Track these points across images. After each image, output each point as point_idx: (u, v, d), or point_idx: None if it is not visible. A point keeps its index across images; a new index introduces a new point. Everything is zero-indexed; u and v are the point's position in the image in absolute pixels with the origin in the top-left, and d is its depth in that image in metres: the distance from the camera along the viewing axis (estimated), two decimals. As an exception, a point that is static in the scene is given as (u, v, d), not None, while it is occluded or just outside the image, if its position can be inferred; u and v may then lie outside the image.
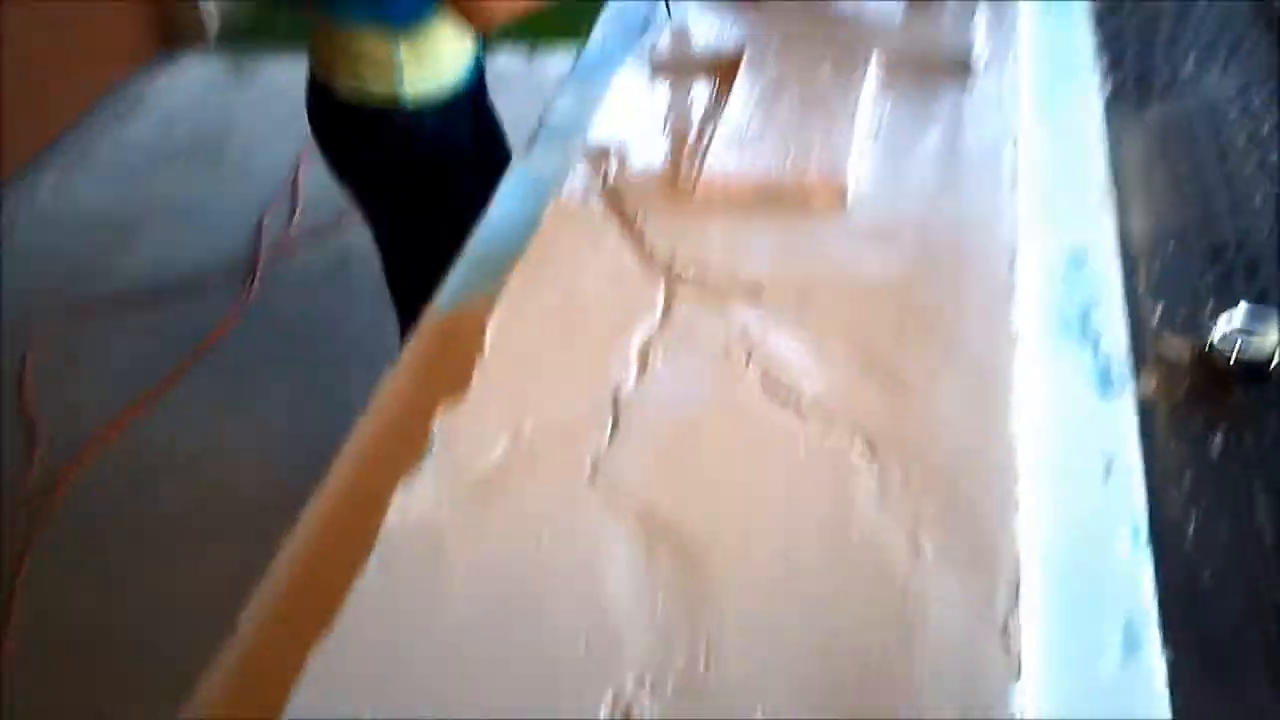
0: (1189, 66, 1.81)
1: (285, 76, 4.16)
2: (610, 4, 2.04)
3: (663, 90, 1.69)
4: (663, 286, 1.31)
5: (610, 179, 1.49)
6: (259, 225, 3.39)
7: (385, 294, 3.05)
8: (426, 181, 1.95)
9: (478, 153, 2.02)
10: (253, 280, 3.18)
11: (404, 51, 1.84)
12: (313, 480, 1.19)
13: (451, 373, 1.22)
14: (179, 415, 2.78)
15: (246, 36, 4.40)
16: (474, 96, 2.02)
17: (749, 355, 1.20)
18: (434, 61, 1.88)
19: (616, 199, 1.46)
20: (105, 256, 3.31)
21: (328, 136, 1.98)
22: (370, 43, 1.83)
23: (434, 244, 1.57)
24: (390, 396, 1.27)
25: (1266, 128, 1.66)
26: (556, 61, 3.85)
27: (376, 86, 1.86)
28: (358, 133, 1.93)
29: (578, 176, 1.51)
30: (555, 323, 1.28)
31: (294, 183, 3.55)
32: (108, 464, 2.66)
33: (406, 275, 2.05)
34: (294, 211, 3.44)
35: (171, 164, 3.72)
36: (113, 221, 3.46)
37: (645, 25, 1.85)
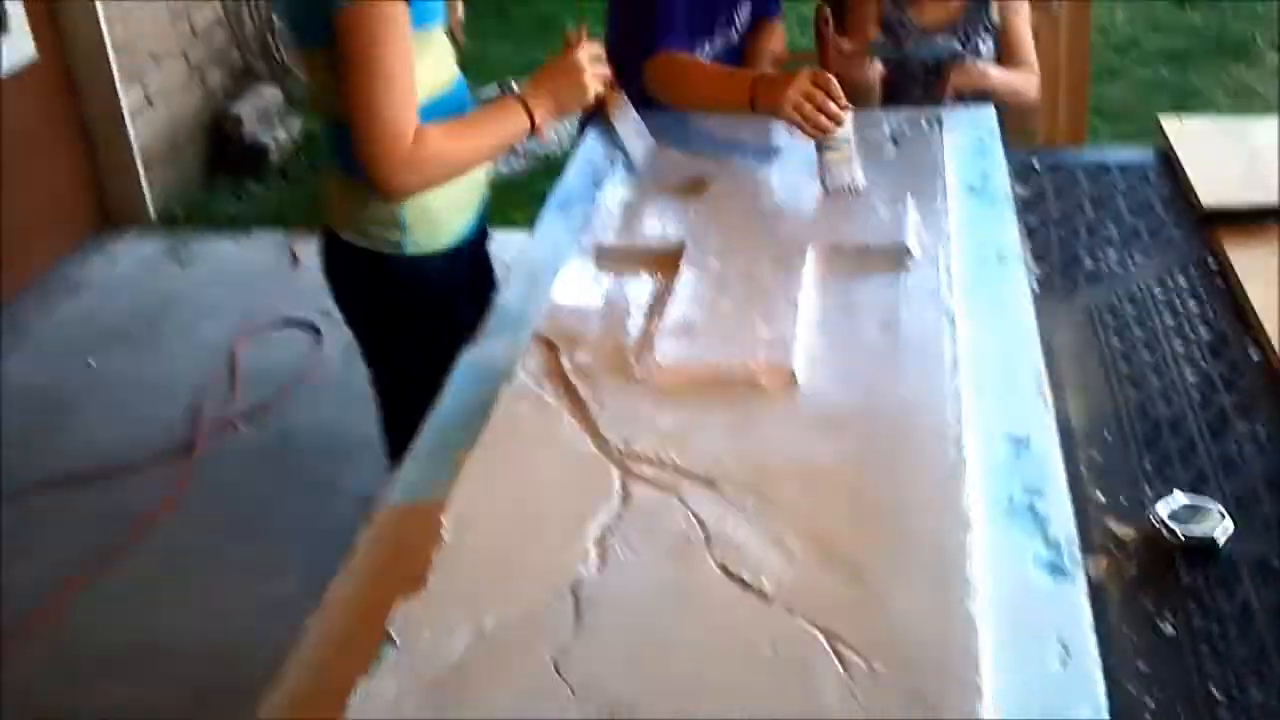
0: (1112, 255, 1.90)
1: (224, 255, 4.20)
2: (554, 194, 2.09)
3: (609, 280, 1.73)
4: (618, 474, 1.32)
5: (561, 367, 1.52)
6: (197, 404, 3.37)
7: (324, 473, 3.05)
8: (426, 324, 1.99)
9: (475, 293, 2.04)
10: (190, 460, 3.15)
11: (409, 210, 1.90)
12: (260, 672, 1.17)
13: (408, 566, 1.22)
14: (113, 602, 2.71)
15: (186, 216, 4.45)
16: (474, 246, 2.08)
17: (707, 544, 1.21)
18: (438, 218, 1.94)
19: (568, 387, 1.48)
20: (40, 436, 3.26)
21: (335, 279, 2.04)
22: (363, 195, 1.87)
23: (431, 387, 1.60)
24: (345, 590, 1.27)
25: (1190, 313, 1.74)
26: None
27: (381, 237, 1.92)
28: (362, 277, 1.99)
29: (529, 365, 1.53)
30: (512, 512, 1.29)
31: (232, 361, 3.55)
32: (38, 654, 2.59)
33: (403, 419, 2.07)
34: (232, 390, 3.43)
35: (109, 342, 3.70)
36: (49, 400, 3.42)
37: (589, 217, 1.90)
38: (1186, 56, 5.40)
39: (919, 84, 2.43)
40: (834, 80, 1.92)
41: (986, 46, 2.48)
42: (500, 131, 1.92)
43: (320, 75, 1.82)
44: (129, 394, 3.44)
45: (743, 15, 2.35)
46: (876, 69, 2.36)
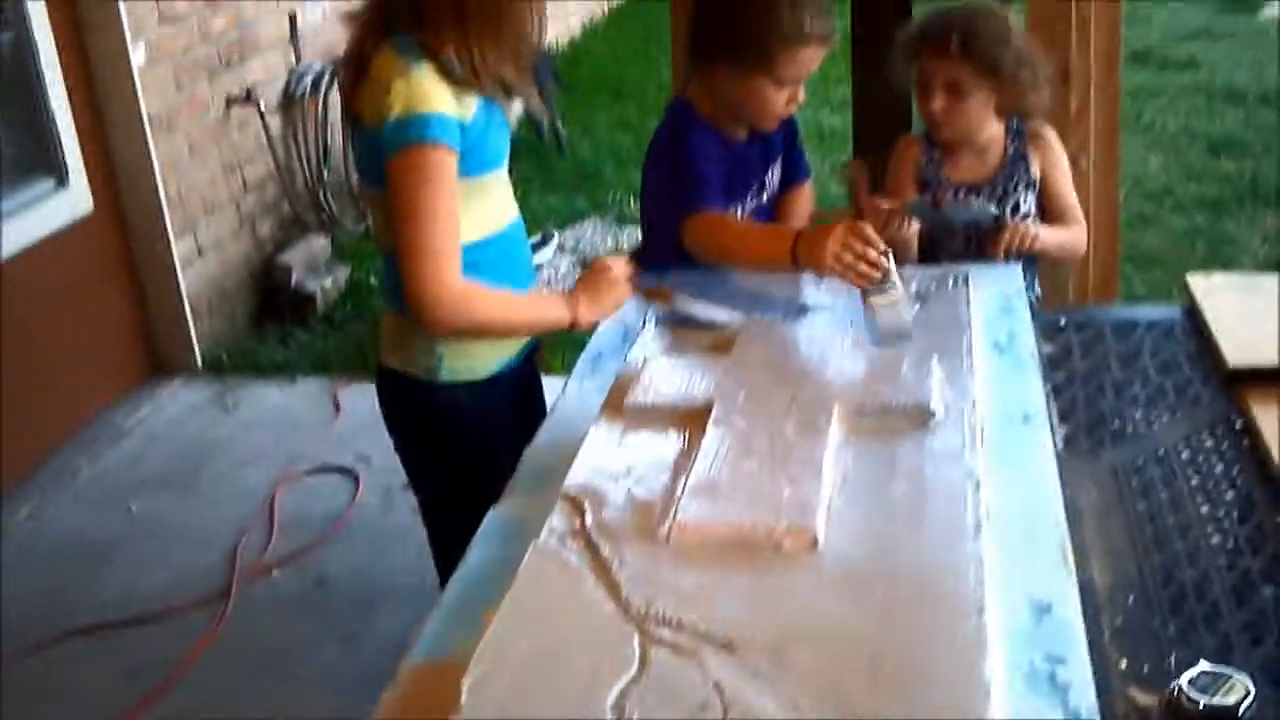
0: (1138, 414, 1.91)
1: (268, 402, 4.28)
2: (586, 353, 2.14)
3: (637, 439, 1.76)
4: (638, 636, 1.33)
5: (587, 526, 1.54)
6: (235, 550, 3.40)
7: (357, 619, 3.06)
8: (464, 451, 2.10)
9: (521, 423, 2.08)
10: (226, 606, 3.17)
11: (446, 340, 2.01)
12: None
13: (430, 727, 1.22)
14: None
15: (233, 363, 4.54)
16: (520, 371, 2.16)
17: (725, 710, 1.21)
18: (473, 350, 2.05)
19: (593, 547, 1.50)
20: (78, 582, 3.30)
21: (383, 406, 2.16)
22: (408, 326, 2.01)
23: (474, 514, 1.64)
24: (368, 752, 1.27)
25: (1215, 474, 1.74)
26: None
27: (420, 364, 2.05)
28: (403, 403, 2.12)
29: (555, 523, 1.55)
30: (531, 676, 1.29)
31: (270, 507, 3.59)
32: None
33: (447, 547, 2.07)
34: (270, 536, 3.47)
35: (151, 488, 3.76)
36: (88, 546, 3.47)
37: (620, 375, 1.94)
38: (1221, 204, 5.45)
39: (959, 239, 2.47)
40: (870, 229, 1.96)
41: (1027, 203, 2.52)
42: (540, 316, 2.08)
43: (379, 214, 2.00)
44: (168, 540, 3.48)
45: (773, 179, 2.41)
46: (913, 228, 2.41)
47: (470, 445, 2.09)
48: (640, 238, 2.46)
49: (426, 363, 2.04)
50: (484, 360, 2.07)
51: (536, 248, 5.41)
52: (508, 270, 2.06)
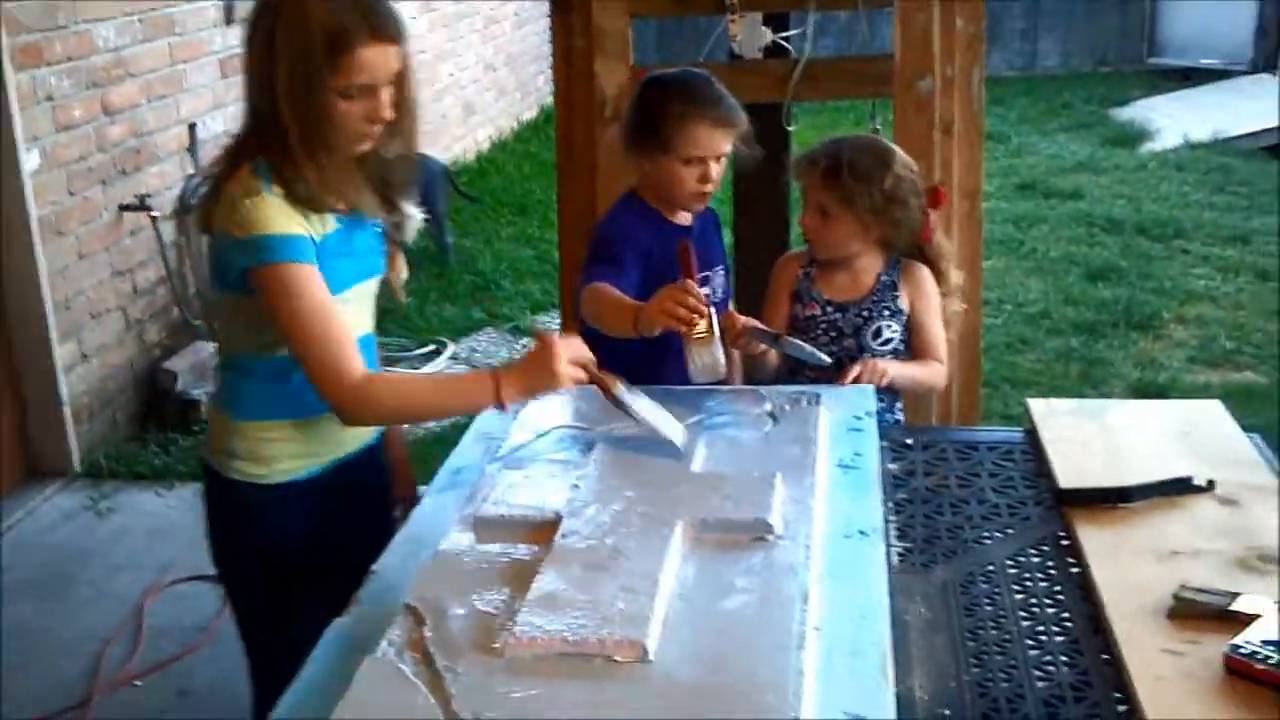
0: (972, 531, 1.99)
1: (144, 508, 4.23)
2: (446, 466, 2.17)
3: (485, 551, 1.79)
4: (464, 749, 1.35)
5: (425, 638, 1.57)
6: (98, 660, 3.34)
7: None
8: (244, 551, 2.15)
9: (328, 546, 2.12)
10: (85, 717, 3.10)
11: (239, 437, 2.09)
12: None
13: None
14: None
15: (110, 469, 4.49)
16: (315, 492, 2.14)
17: (538, 822, 1.24)
18: (263, 453, 2.10)
19: (429, 659, 1.53)
20: (-67, 693, 3.21)
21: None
22: (217, 419, 2.15)
23: (257, 609, 1.67)
24: None
25: (1039, 590, 1.82)
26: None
27: (219, 459, 2.12)
28: (207, 493, 2.20)
29: (394, 635, 1.58)
30: (354, 787, 1.31)
31: (139, 615, 3.53)
32: None
33: (244, 631, 2.23)
34: (136, 645, 3.41)
35: (18, 594, 3.68)
36: (-53, 656, 3.38)
37: (476, 489, 1.97)
38: (1096, 329, 5.65)
39: (816, 368, 2.57)
40: (693, 285, 2.16)
41: (892, 330, 2.63)
42: (456, 398, 2.09)
43: (220, 314, 2.14)
44: (33, 648, 3.41)
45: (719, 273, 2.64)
46: (758, 346, 2.51)
47: (255, 546, 2.13)
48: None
49: (223, 459, 2.11)
50: (275, 467, 2.10)
51: (430, 357, 5.45)
52: None
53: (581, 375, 2.03)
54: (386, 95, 1.96)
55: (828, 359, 2.52)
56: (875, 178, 2.55)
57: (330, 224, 2.01)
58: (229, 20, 5.42)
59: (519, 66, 9.98)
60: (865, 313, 2.62)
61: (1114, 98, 10.51)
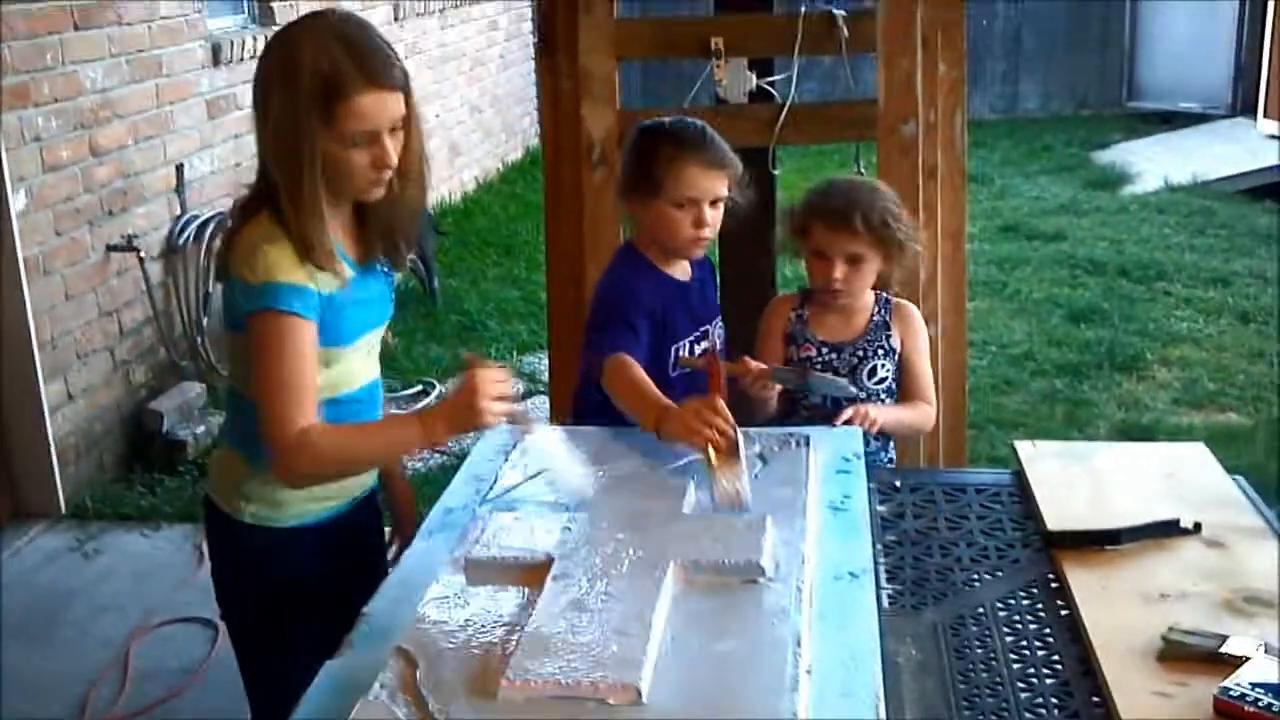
0: (961, 573, 2.00)
1: (130, 549, 4.21)
2: (437, 507, 2.17)
3: (477, 594, 1.80)
4: (458, 793, 1.35)
5: (418, 681, 1.57)
6: (83, 703, 3.31)
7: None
8: (258, 595, 2.13)
9: (336, 578, 2.13)
10: (70, 762, 3.08)
11: (252, 482, 2.08)
12: None
13: None
14: None
15: (96, 510, 4.47)
16: (329, 534, 2.16)
17: None
18: (278, 498, 2.09)
19: (421, 701, 1.53)
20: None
21: (206, 535, 2.24)
22: (230, 461, 2.14)
23: (269, 652, 1.66)
24: None
25: (1029, 633, 1.83)
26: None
27: (231, 501, 2.12)
28: (215, 535, 2.20)
29: (386, 677, 1.58)
30: (348, 831, 1.31)
31: (125, 657, 3.51)
32: None
33: (252, 677, 2.20)
34: (122, 688, 3.39)
35: (4, 634, 3.65)
36: (-71, 701, 3.35)
37: (467, 530, 1.98)
38: (1080, 370, 5.68)
39: (811, 407, 2.59)
40: (721, 403, 2.09)
41: (885, 370, 2.65)
42: (388, 442, 2.11)
43: (235, 355, 2.12)
44: (17, 692, 3.38)
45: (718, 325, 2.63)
46: (775, 389, 2.53)
47: (263, 588, 2.13)
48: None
49: (235, 501, 2.11)
50: (287, 511, 2.11)
51: (417, 397, 5.45)
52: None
53: (504, 410, 2.00)
54: (391, 142, 1.97)
55: (855, 389, 2.56)
56: (900, 217, 2.61)
57: (346, 272, 2.03)
58: (216, 62, 5.45)
59: (504, 108, 10.04)
60: (860, 352, 2.65)
61: (1094, 140, 10.62)
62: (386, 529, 2.42)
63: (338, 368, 2.08)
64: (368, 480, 2.23)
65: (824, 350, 2.65)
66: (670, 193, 2.40)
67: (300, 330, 1.95)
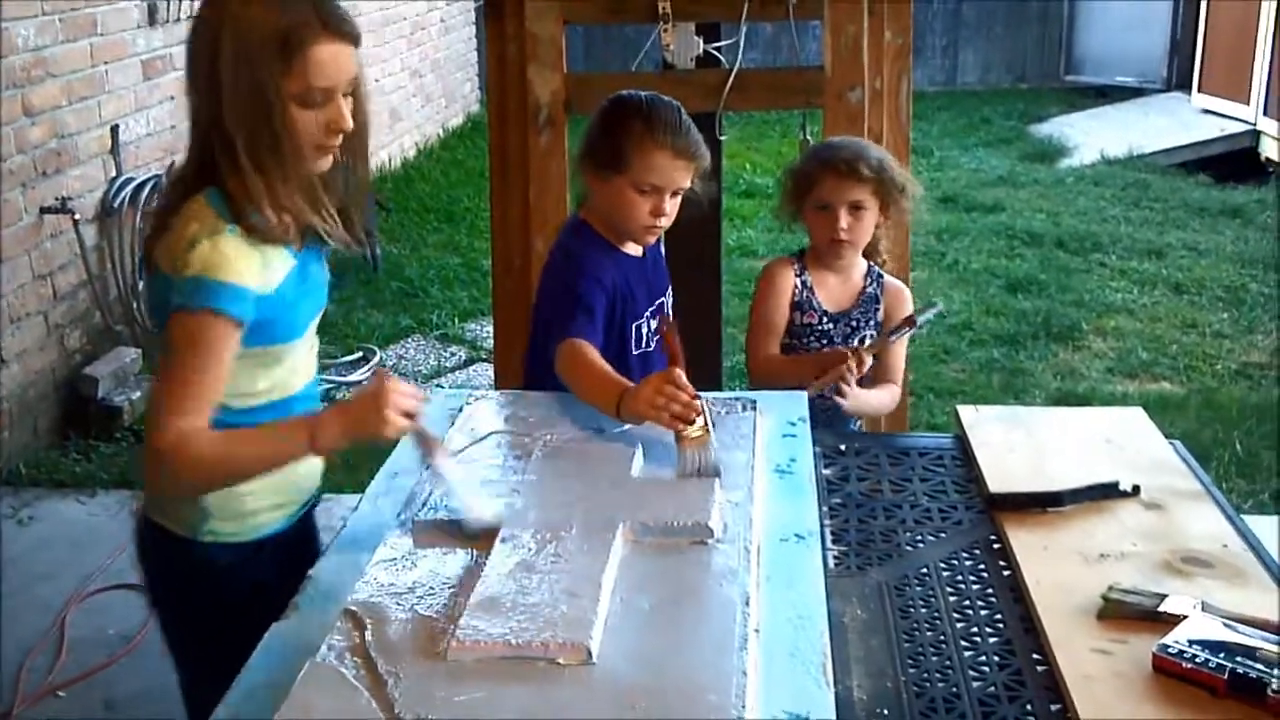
0: (905, 535, 2.02)
1: (65, 516, 4.15)
2: (383, 471, 2.16)
3: (425, 556, 1.79)
4: (408, 752, 1.35)
5: (366, 642, 1.56)
6: (19, 670, 3.27)
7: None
8: (218, 619, 1.94)
9: (286, 594, 1.94)
10: (6, 730, 3.04)
11: (213, 496, 1.93)
12: None
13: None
14: None
15: (31, 477, 4.40)
16: (288, 546, 2.06)
17: (485, 823, 1.24)
18: (243, 508, 1.97)
19: (370, 663, 1.52)
20: None
21: (141, 558, 2.05)
22: None
23: (223, 677, 1.58)
24: None
25: (971, 593, 1.85)
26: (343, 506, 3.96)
27: (181, 519, 1.95)
28: (160, 559, 2.01)
29: (335, 639, 1.57)
30: (298, 791, 1.30)
31: (61, 625, 3.47)
32: None
33: (196, 702, 2.01)
34: (59, 655, 3.34)
35: (-65, 604, 3.60)
36: None
37: (413, 494, 1.97)
38: (1017, 340, 5.76)
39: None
40: (682, 376, 2.04)
41: (873, 338, 2.73)
42: (273, 447, 1.88)
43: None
44: (-50, 661, 3.33)
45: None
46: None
47: (225, 611, 1.94)
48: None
49: (189, 518, 1.95)
50: (252, 522, 2.00)
51: (357, 364, 5.41)
52: None
53: (409, 426, 1.85)
54: (345, 103, 1.85)
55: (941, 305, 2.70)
56: (893, 165, 2.69)
57: (288, 261, 1.90)
58: (153, 21, 5.35)
59: (445, 73, 9.95)
60: (854, 321, 2.72)
61: (1032, 114, 10.73)
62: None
63: (288, 363, 1.97)
64: (318, 480, 2.12)
65: (824, 319, 2.70)
66: (634, 174, 2.32)
67: (222, 331, 1.80)
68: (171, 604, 2.04)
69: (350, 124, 1.86)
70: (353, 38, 1.85)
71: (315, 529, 2.19)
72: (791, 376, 2.59)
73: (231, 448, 1.85)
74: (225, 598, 1.98)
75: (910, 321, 2.66)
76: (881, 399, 2.74)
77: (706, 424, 2.01)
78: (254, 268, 1.82)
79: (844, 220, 2.62)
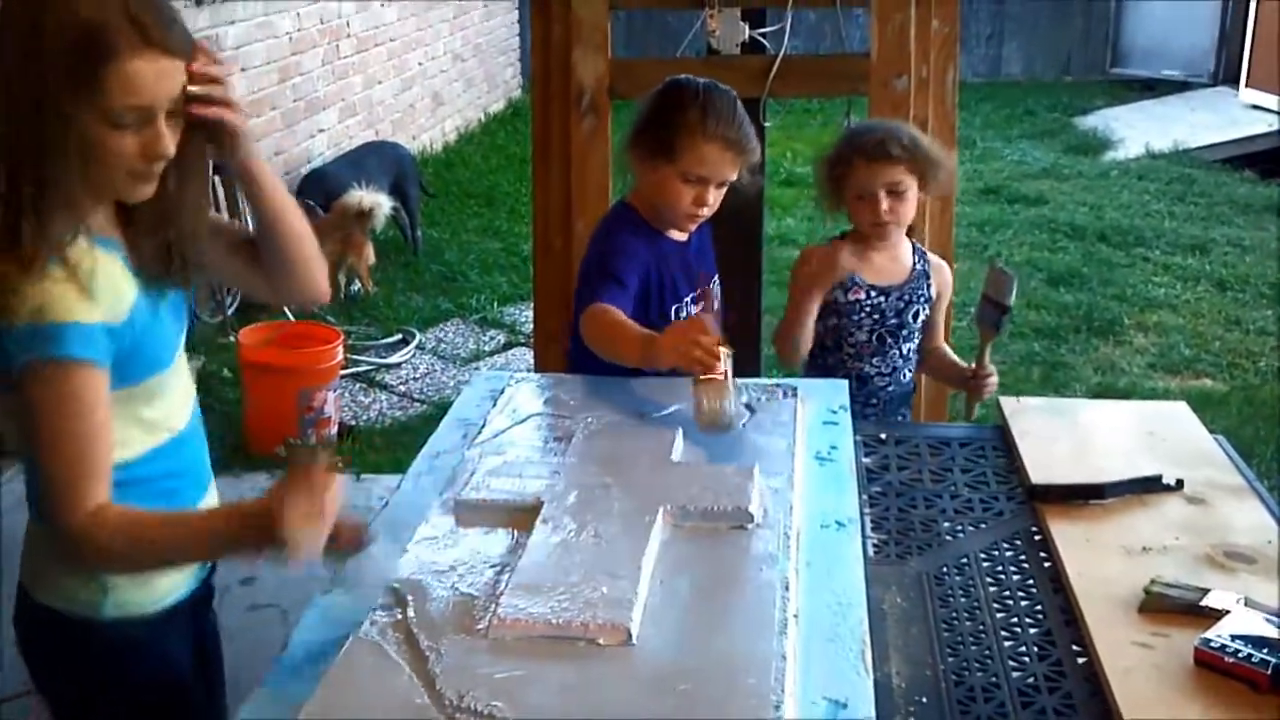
0: (945, 525, 2.02)
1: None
2: (425, 451, 2.17)
3: (466, 535, 1.80)
4: (447, 728, 1.36)
5: (409, 619, 1.58)
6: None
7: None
8: (133, 706, 1.76)
9: (201, 667, 1.87)
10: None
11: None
12: None
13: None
14: None
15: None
16: (196, 607, 1.85)
17: (525, 799, 1.25)
18: (147, 577, 1.72)
19: (412, 639, 1.53)
20: None
21: (26, 649, 1.75)
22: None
23: None
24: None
25: (1011, 583, 1.85)
26: (382, 486, 3.98)
27: (77, 597, 1.69)
28: (55, 647, 1.72)
29: (378, 615, 1.58)
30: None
31: None
32: None
33: None
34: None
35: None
36: None
37: (455, 474, 1.98)
38: (1058, 333, 5.72)
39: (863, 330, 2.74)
40: (710, 320, 2.07)
41: (924, 313, 2.77)
42: (209, 546, 1.66)
43: (11, 416, 1.57)
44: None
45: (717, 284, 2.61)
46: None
47: (141, 697, 1.74)
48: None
49: (87, 595, 1.67)
50: (161, 586, 1.74)
51: (397, 347, 5.44)
52: (176, 488, 1.75)
53: (320, 536, 1.53)
54: (169, 126, 1.54)
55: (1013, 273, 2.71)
56: (922, 143, 2.69)
57: (132, 281, 1.63)
58: (199, 2, 5.39)
59: (487, 58, 9.97)
60: (907, 296, 2.73)
61: (1077, 106, 10.63)
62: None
63: (165, 398, 1.71)
64: None
65: (872, 293, 2.71)
66: (681, 162, 2.31)
67: (89, 380, 1.53)
68: (73, 699, 1.76)
69: (171, 150, 1.56)
70: (179, 51, 1.53)
71: (214, 586, 1.94)
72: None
73: (147, 538, 1.58)
74: (139, 680, 1.75)
75: (1005, 309, 2.66)
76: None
77: (727, 372, 2.01)
78: (94, 299, 1.54)
79: (885, 204, 2.63)
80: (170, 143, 1.55)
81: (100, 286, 1.55)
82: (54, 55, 1.46)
